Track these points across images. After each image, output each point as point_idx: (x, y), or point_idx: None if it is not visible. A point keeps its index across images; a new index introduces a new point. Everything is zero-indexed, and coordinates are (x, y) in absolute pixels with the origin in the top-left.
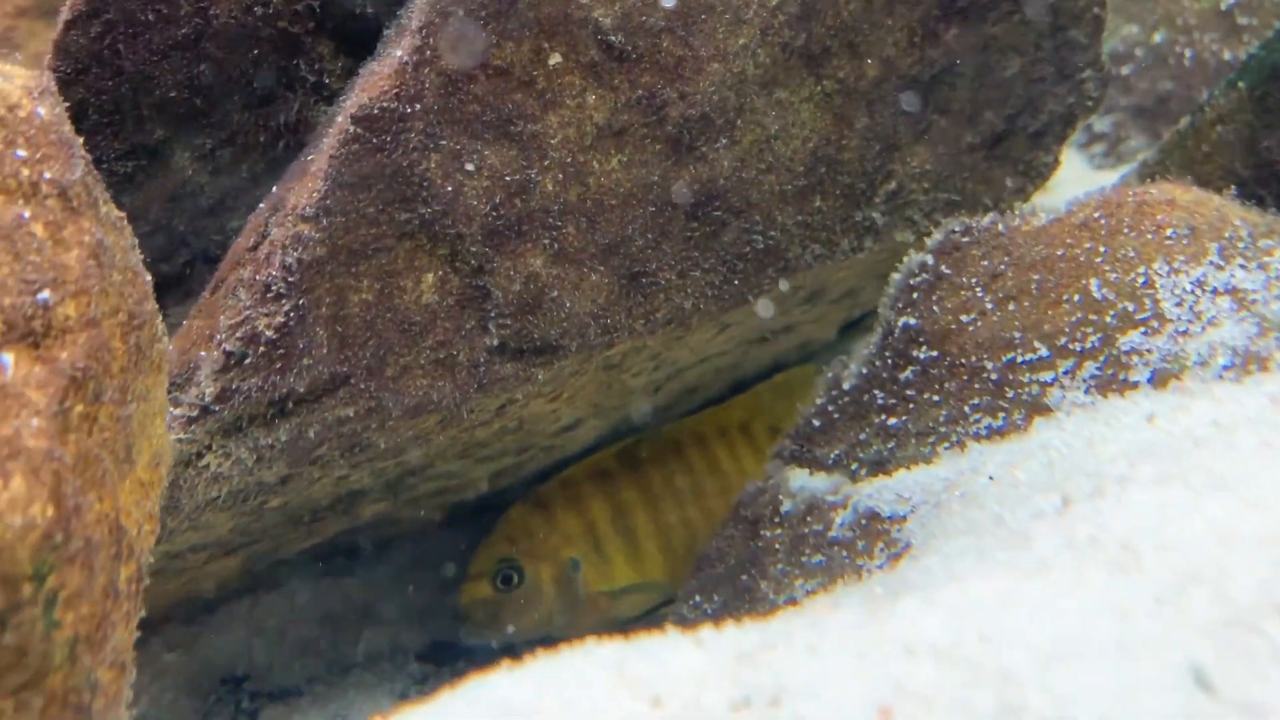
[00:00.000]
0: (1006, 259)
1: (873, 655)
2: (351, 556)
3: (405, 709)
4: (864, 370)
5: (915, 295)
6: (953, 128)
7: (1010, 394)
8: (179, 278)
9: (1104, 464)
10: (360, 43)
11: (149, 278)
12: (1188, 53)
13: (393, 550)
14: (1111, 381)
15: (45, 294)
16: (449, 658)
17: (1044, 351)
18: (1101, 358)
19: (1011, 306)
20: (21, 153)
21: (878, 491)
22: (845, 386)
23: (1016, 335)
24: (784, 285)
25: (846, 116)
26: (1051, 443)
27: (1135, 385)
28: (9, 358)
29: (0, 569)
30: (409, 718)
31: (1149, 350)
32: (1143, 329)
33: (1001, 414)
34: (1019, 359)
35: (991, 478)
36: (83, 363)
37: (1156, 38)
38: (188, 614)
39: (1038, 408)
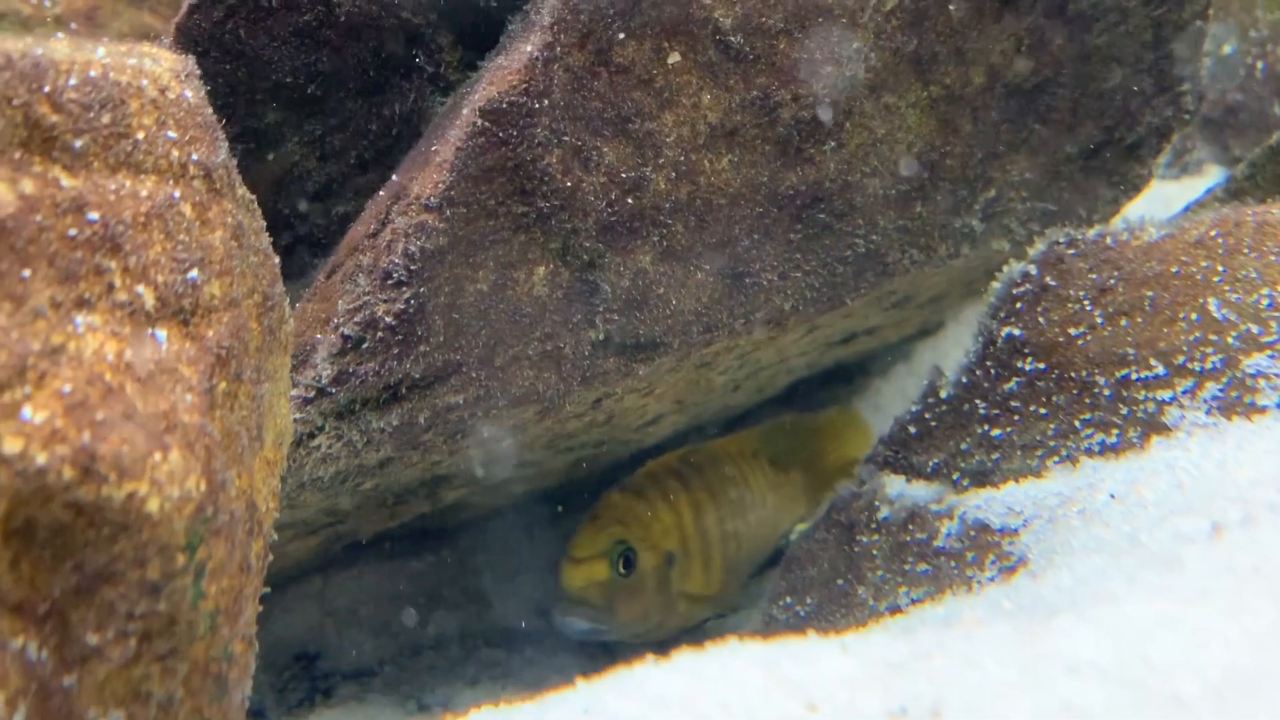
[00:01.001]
0: (1116, 273)
1: (1036, 672)
2: (419, 540)
3: (547, 694)
4: (964, 379)
5: (1019, 305)
6: (1053, 137)
7: (1124, 411)
8: (283, 258)
9: (1245, 489)
10: (480, 36)
11: (277, 260)
12: (1259, 65)
13: (460, 535)
14: (1236, 404)
15: (194, 273)
16: (517, 645)
17: (1161, 370)
18: (1224, 379)
19: (1124, 322)
20: (172, 134)
21: (986, 503)
22: (943, 395)
23: (1130, 352)
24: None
25: (951, 122)
26: (1177, 463)
27: (1263, 410)
28: (163, 334)
29: (159, 539)
30: (556, 702)
31: (1277, 375)
32: (1269, 352)
33: (1115, 431)
34: (1134, 375)
35: (1113, 496)
36: (227, 341)
37: (1227, 49)
38: (263, 593)
39: (1155, 426)
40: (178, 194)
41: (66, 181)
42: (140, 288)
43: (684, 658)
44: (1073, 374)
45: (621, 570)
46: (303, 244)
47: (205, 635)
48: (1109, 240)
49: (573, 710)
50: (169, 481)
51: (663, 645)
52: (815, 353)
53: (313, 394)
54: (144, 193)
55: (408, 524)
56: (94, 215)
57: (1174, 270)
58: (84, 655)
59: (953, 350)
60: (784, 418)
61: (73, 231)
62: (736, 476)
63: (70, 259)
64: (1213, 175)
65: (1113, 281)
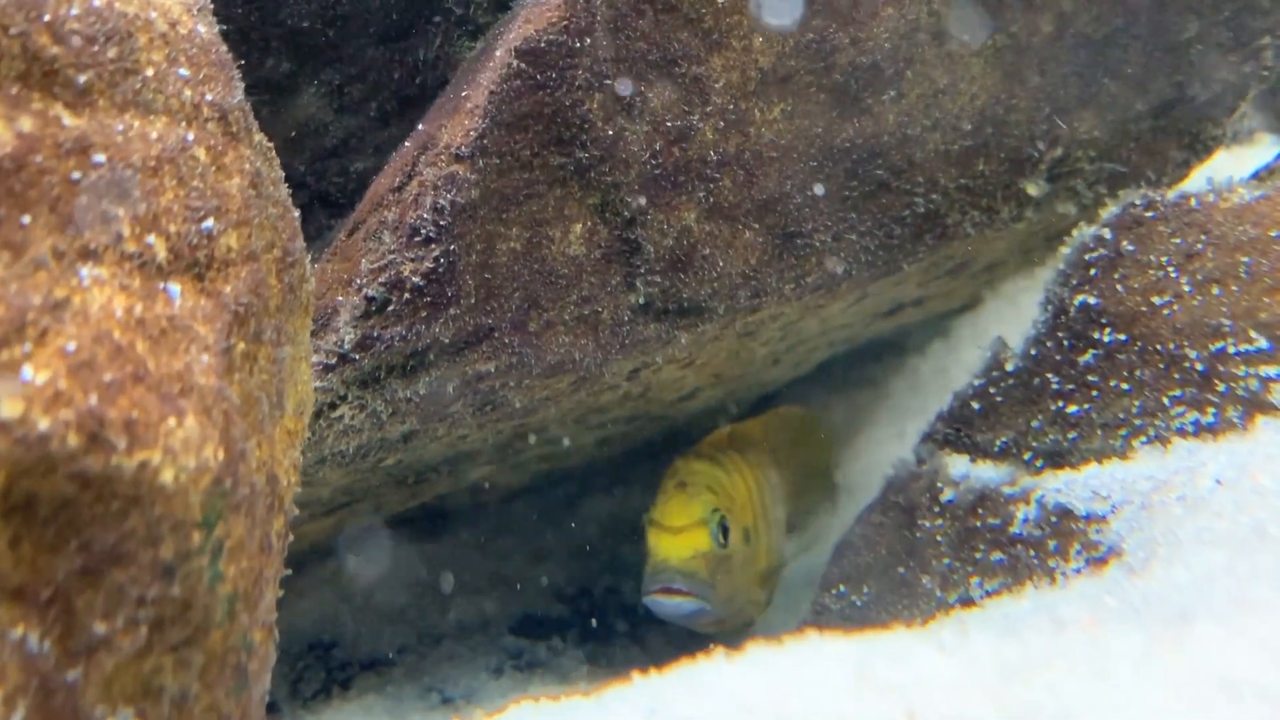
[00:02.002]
0: (1204, 237)
1: (1184, 691)
2: (437, 522)
3: (609, 687)
4: (1032, 351)
5: (1093, 272)
6: (1123, 93)
7: (1221, 388)
8: (299, 219)
9: None
10: None
11: (297, 213)
12: None
13: (480, 517)
14: None
15: (209, 223)
16: (542, 633)
17: (1264, 343)
18: None
19: (1216, 290)
20: (184, 72)
21: (1067, 486)
22: (1009, 368)
23: (1226, 323)
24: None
25: (1018, 74)
26: None
27: None
28: (176, 288)
29: (173, 514)
30: (616, 699)
31: None
32: None
33: (1212, 409)
34: (1230, 349)
35: (1219, 481)
36: (245, 298)
37: None
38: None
39: (1259, 405)
40: (191, 137)
41: (69, 120)
42: (151, 238)
43: (759, 652)
44: (1159, 346)
45: (721, 542)
46: (319, 203)
47: (223, 622)
48: (1193, 202)
49: (636, 710)
50: (184, 450)
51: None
52: (859, 324)
53: (334, 360)
54: (154, 135)
55: (428, 505)
56: (100, 158)
57: (1273, 234)
58: (90, 646)
59: (993, 326)
60: (779, 410)
61: (76, 175)
62: (769, 461)
63: (74, 205)
64: (1265, 145)
65: (1200, 246)
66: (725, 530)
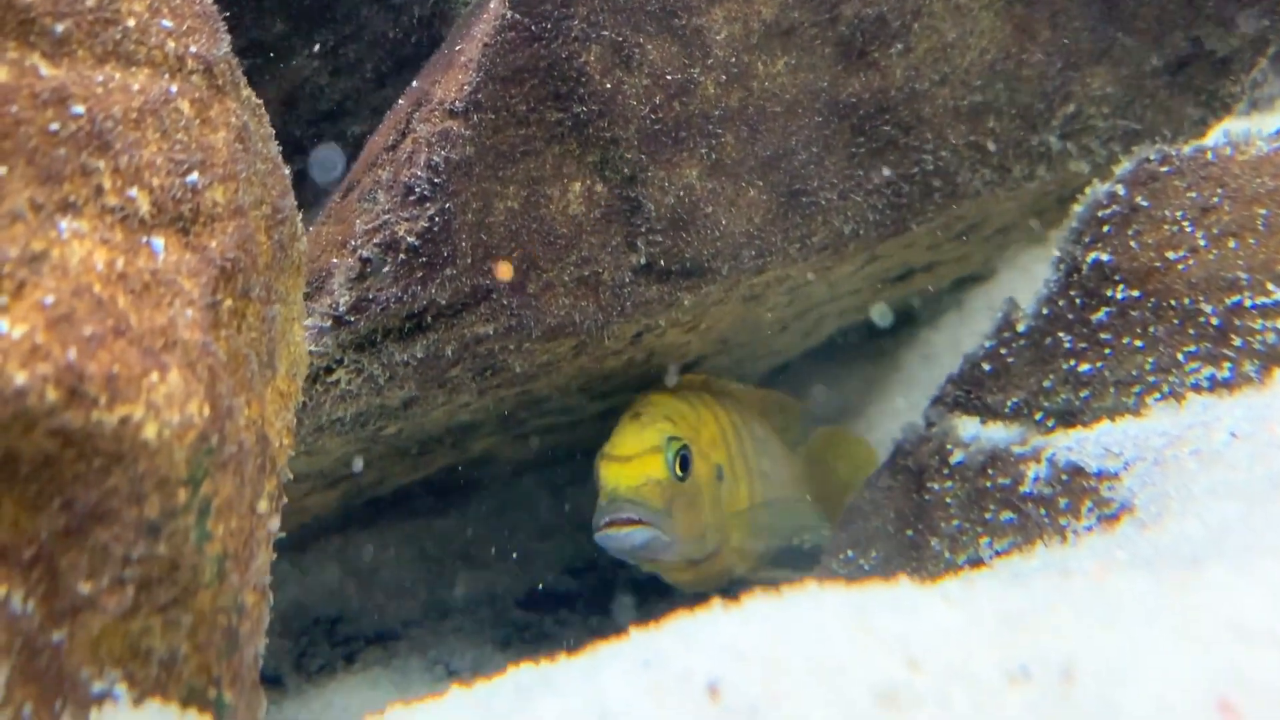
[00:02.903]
0: (1221, 191)
1: (1193, 635)
2: (445, 497)
3: (599, 644)
4: (1044, 311)
5: (1106, 229)
6: (1138, 48)
7: (1238, 342)
8: (294, 185)
9: None
10: None
11: (287, 170)
12: None
13: (485, 492)
14: None
15: (194, 176)
16: (551, 606)
17: None
18: None
19: (1232, 244)
20: (167, 23)
21: (1078, 444)
22: (1020, 328)
23: (1243, 276)
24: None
25: (1028, 27)
26: None
27: None
28: (160, 242)
29: (157, 471)
30: (610, 655)
31: None
32: None
33: (1228, 364)
34: (1247, 302)
35: (1234, 435)
36: (232, 253)
37: None
38: (279, 552)
39: (1276, 358)
40: (174, 89)
41: (46, 70)
42: (133, 191)
43: (757, 604)
44: (1172, 301)
45: (678, 472)
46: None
47: (212, 583)
48: (1209, 155)
49: (631, 664)
50: (167, 405)
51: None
52: (869, 290)
53: (329, 323)
54: (136, 86)
55: (433, 479)
56: (79, 109)
57: None
58: (75, 606)
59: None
60: (776, 393)
61: (54, 126)
62: (758, 419)
63: (52, 157)
64: None
65: (1217, 200)
66: (685, 461)
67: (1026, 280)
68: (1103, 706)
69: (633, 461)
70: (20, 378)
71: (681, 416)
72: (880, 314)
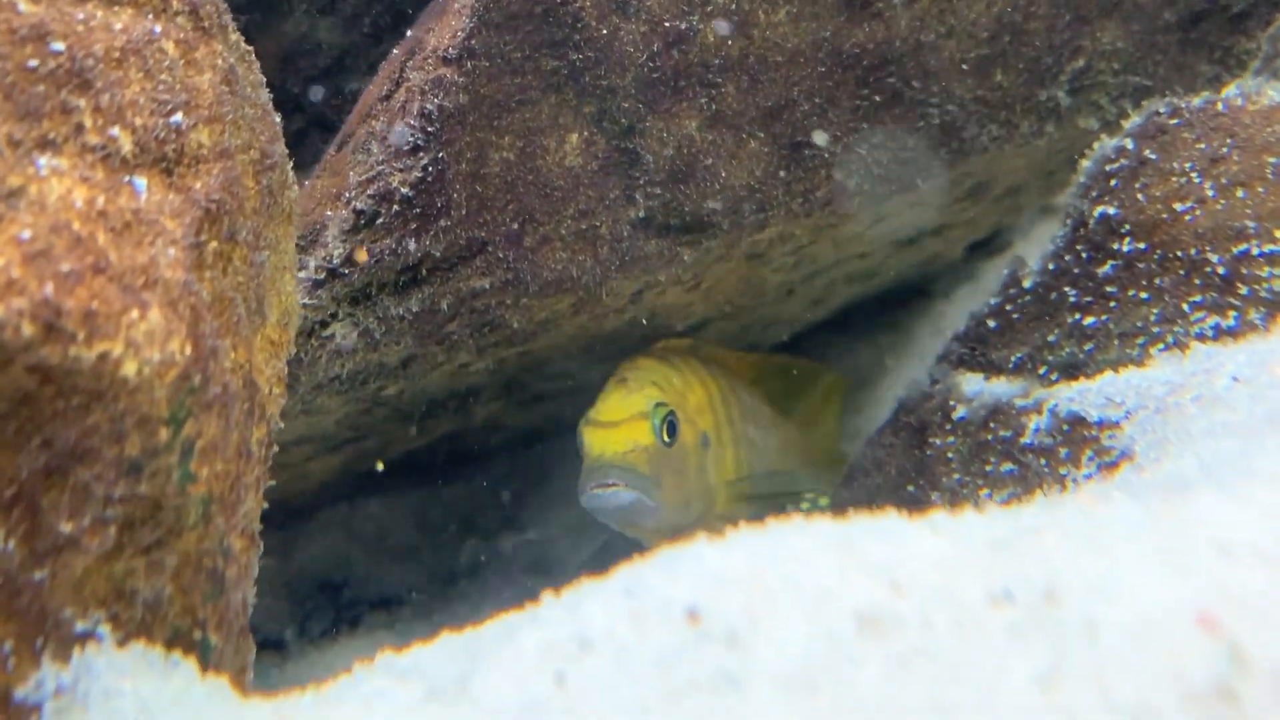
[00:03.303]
0: (1230, 141)
1: (1177, 554)
2: (452, 466)
3: (586, 580)
4: (1051, 266)
5: (1114, 182)
6: (1150, 2)
7: (1244, 290)
8: (293, 144)
9: None
10: None
11: (278, 118)
12: None
13: (491, 462)
14: None
15: (178, 117)
16: (555, 572)
17: None
18: None
19: (1240, 193)
20: None
21: (1080, 395)
22: (1026, 285)
23: (1250, 225)
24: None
25: None
26: None
27: None
28: (142, 182)
29: (137, 408)
30: (594, 590)
31: None
32: None
33: (1233, 312)
34: (1254, 250)
35: (1236, 379)
36: (217, 195)
37: None
38: (284, 518)
39: None
40: (158, 29)
41: (25, 6)
42: (115, 130)
43: (743, 535)
44: (1179, 253)
45: (665, 438)
46: (315, 128)
47: (197, 525)
48: (1219, 106)
49: (613, 594)
50: (147, 343)
51: None
52: (878, 254)
53: (324, 275)
54: (118, 25)
55: (438, 446)
56: (58, 46)
57: None
58: (57, 546)
59: None
60: (776, 356)
61: (33, 63)
62: (746, 386)
63: (30, 93)
64: None
65: (1226, 150)
66: (672, 427)
67: (1040, 252)
68: (1084, 625)
69: (619, 427)
70: None
71: (669, 382)
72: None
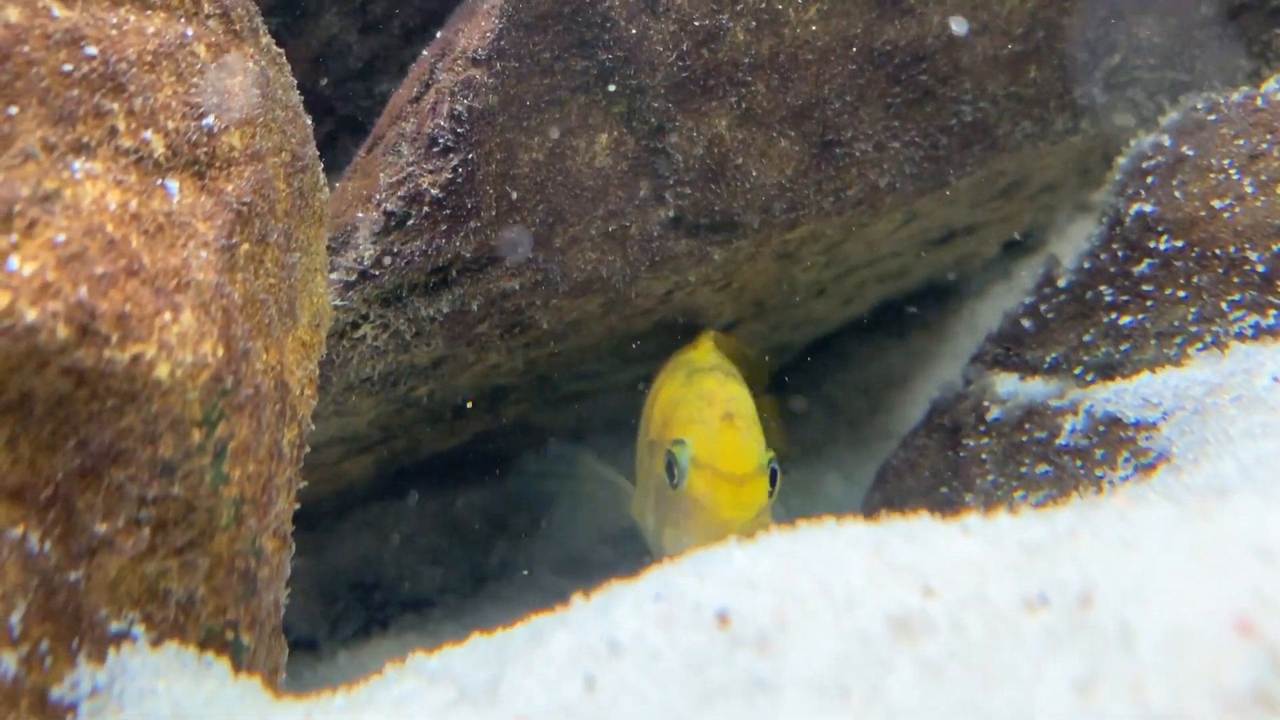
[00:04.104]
0: (1270, 137)
1: (1213, 557)
2: (480, 467)
3: (615, 583)
4: (1086, 265)
5: (1151, 180)
6: None
7: None
8: (323, 147)
9: None
10: None
11: (309, 120)
12: None
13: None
14: None
15: (210, 120)
16: (585, 572)
17: None
18: None
19: None
20: None
21: (1116, 395)
22: (1061, 284)
23: None
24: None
25: None
26: None
27: None
28: (174, 185)
29: (170, 410)
30: (624, 592)
31: None
32: None
33: (1273, 311)
34: None
35: (1276, 379)
36: (249, 197)
37: None
38: (316, 518)
39: None
40: (190, 33)
41: (59, 11)
42: (148, 134)
43: (773, 538)
44: (1217, 250)
45: (771, 491)
46: (345, 130)
47: (229, 526)
48: (1259, 101)
49: (643, 596)
50: (180, 345)
51: None
52: (910, 253)
53: (354, 277)
54: (151, 29)
55: (468, 446)
56: (92, 50)
57: None
58: (92, 547)
59: None
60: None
61: (68, 67)
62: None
63: (65, 98)
64: None
65: (1266, 146)
66: (774, 476)
67: (1076, 250)
68: (1119, 630)
69: (745, 485)
70: (31, 314)
71: (755, 415)
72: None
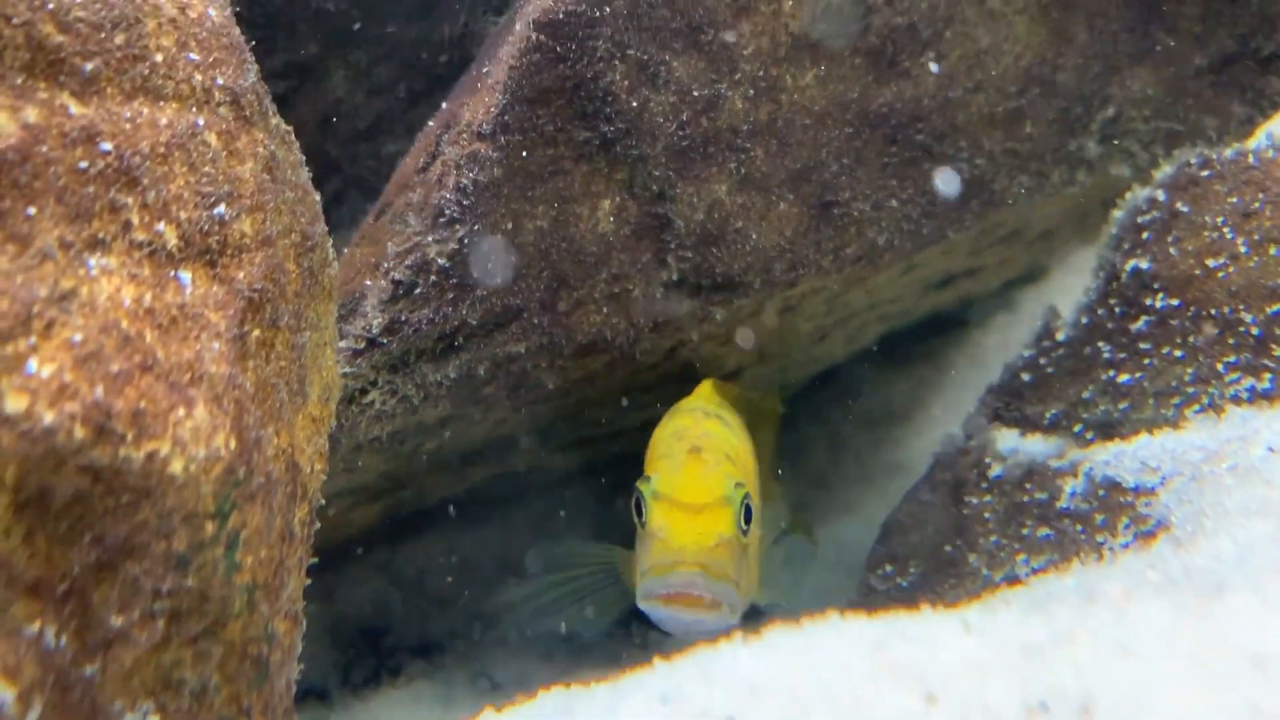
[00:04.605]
0: (1262, 196)
1: (1210, 664)
2: (488, 507)
3: (621, 675)
4: (1084, 319)
5: (1146, 235)
6: (1180, 48)
7: (1278, 352)
8: (330, 207)
9: None
10: None
11: (318, 197)
12: None
13: (528, 501)
14: None
15: (221, 208)
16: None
17: None
18: None
19: (1274, 251)
20: (194, 56)
21: (1115, 458)
22: (1060, 337)
23: None
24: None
25: (1064, 31)
26: None
27: None
28: (187, 276)
29: (184, 505)
30: (632, 686)
31: None
32: None
33: (1268, 375)
34: None
35: (1272, 449)
36: (259, 284)
37: None
38: (324, 561)
39: None
40: (201, 122)
41: (76, 109)
42: (161, 225)
43: (777, 635)
44: (1212, 310)
45: (744, 526)
46: (353, 188)
47: (241, 613)
48: (1250, 159)
49: (650, 698)
50: (194, 440)
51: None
52: (911, 297)
53: (363, 345)
54: (163, 121)
55: (476, 489)
56: (107, 146)
57: None
58: (107, 640)
59: (1060, 298)
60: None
61: (83, 164)
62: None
63: (81, 195)
64: None
65: (1258, 205)
66: (748, 513)
67: (1078, 279)
68: None
69: (702, 514)
70: (49, 417)
71: (735, 454)
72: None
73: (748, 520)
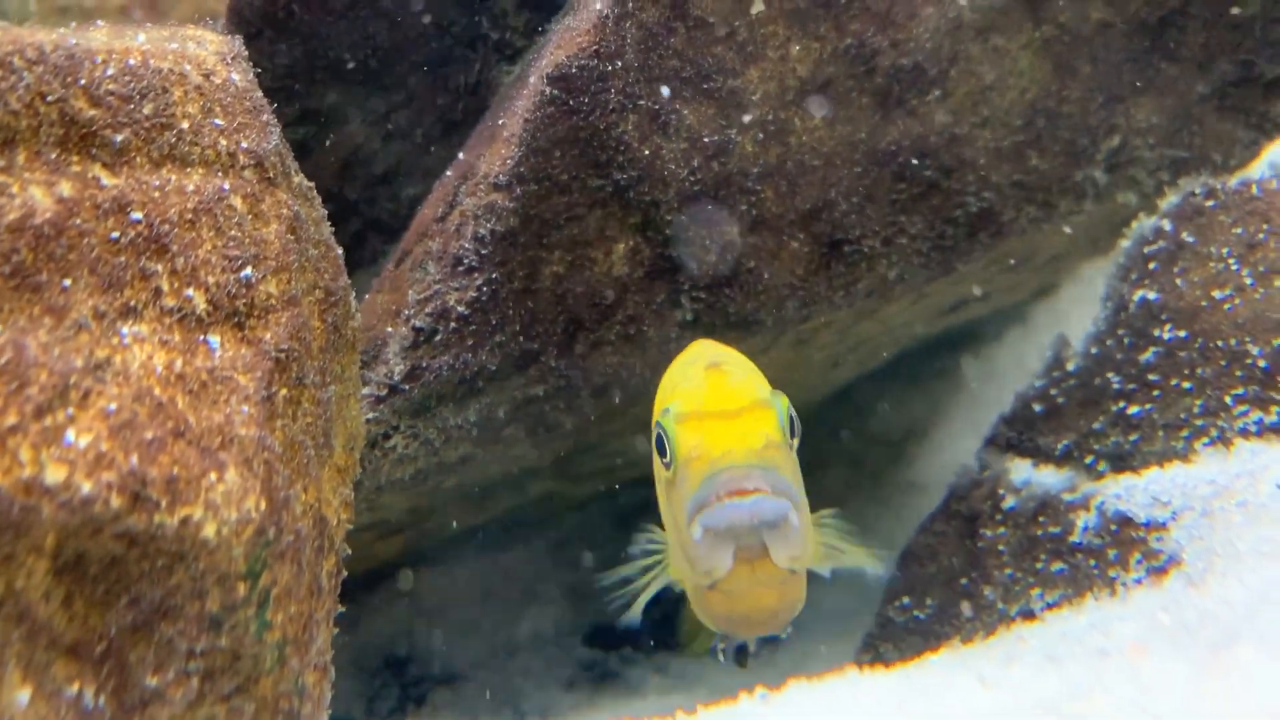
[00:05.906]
0: (1266, 226)
1: None
2: (509, 533)
3: None
4: (1093, 350)
5: (1153, 265)
6: (1183, 76)
7: None
8: (350, 248)
9: None
10: None
11: (340, 251)
12: None
13: (548, 528)
14: None
15: (247, 271)
16: (614, 643)
17: None
18: None
19: (1278, 283)
20: (219, 121)
21: (1127, 492)
22: (1070, 367)
23: None
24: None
25: (1068, 64)
26: None
27: None
28: (216, 340)
29: (217, 567)
30: None
31: None
32: None
33: (1276, 408)
34: None
35: (1279, 486)
36: (286, 344)
37: None
38: (347, 592)
39: None
40: (227, 186)
41: (107, 180)
42: (190, 291)
43: (796, 692)
44: (1219, 342)
45: (789, 432)
46: (372, 230)
47: (273, 669)
48: (1254, 189)
49: None
50: (225, 503)
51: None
52: (922, 322)
53: (385, 392)
54: (190, 187)
55: (498, 517)
56: (138, 215)
57: None
58: (144, 699)
59: (1071, 311)
60: None
61: (115, 234)
62: None
63: (114, 264)
64: None
65: (1263, 236)
66: (793, 423)
67: (1091, 292)
68: None
69: (741, 418)
70: (86, 486)
71: (750, 363)
72: None
73: (793, 433)
